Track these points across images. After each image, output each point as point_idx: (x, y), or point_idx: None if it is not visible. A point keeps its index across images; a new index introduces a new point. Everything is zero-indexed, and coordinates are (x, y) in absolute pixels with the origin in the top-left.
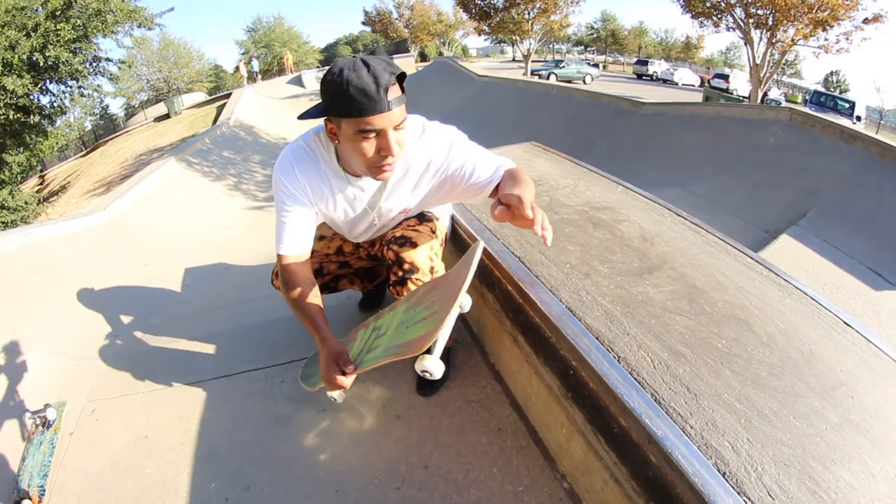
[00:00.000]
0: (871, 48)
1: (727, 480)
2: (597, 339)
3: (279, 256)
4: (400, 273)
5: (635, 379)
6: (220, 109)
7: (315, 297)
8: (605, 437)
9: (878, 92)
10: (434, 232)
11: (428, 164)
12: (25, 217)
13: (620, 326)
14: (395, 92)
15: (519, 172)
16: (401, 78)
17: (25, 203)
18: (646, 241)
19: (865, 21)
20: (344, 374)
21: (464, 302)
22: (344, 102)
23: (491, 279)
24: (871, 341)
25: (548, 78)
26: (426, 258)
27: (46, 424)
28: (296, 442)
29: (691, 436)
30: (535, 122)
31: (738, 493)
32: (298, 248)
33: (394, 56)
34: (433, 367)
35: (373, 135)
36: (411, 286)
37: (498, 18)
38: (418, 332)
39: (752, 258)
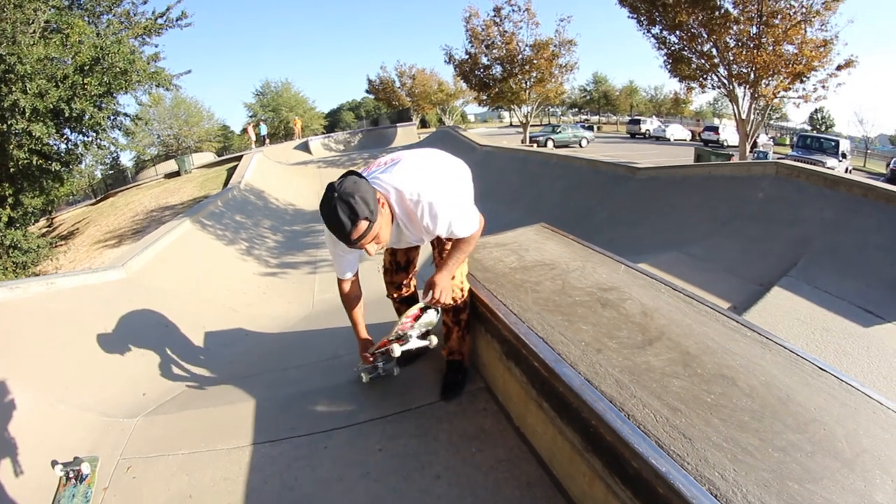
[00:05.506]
0: (848, 81)
1: (718, 500)
2: (611, 402)
3: (339, 280)
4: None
5: (642, 431)
6: (230, 172)
7: (360, 305)
8: (621, 478)
9: (860, 124)
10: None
11: (424, 229)
12: (36, 259)
13: (628, 391)
14: (359, 230)
15: (455, 249)
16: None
17: (38, 246)
18: (646, 316)
19: (839, 67)
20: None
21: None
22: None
23: (519, 356)
24: (843, 380)
25: (545, 143)
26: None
27: (79, 477)
28: (346, 502)
29: (688, 469)
30: (536, 191)
31: None
32: (350, 274)
33: (397, 124)
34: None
35: None
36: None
37: (497, 89)
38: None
39: (737, 322)
